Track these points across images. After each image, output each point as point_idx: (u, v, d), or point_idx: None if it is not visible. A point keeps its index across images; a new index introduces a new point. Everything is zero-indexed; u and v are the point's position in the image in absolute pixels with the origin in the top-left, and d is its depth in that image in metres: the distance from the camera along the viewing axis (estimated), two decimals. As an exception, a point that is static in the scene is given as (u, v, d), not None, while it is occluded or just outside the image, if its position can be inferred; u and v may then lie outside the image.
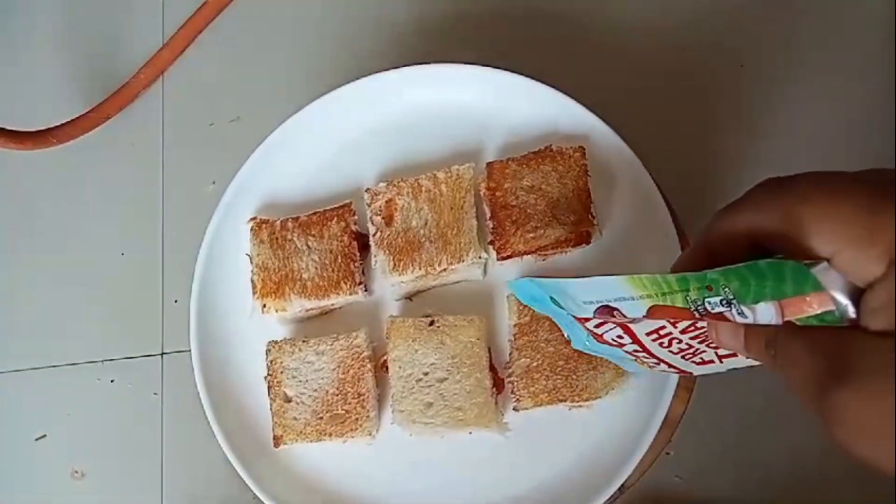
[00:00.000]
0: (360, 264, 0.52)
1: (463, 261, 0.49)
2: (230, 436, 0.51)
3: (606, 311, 0.36)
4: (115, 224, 0.63)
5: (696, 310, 0.31)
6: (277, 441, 0.50)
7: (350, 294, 0.51)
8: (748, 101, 0.59)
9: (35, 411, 0.61)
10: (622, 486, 0.46)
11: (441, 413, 0.48)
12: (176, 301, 0.60)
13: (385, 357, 0.50)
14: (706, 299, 0.31)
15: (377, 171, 0.54)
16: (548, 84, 0.51)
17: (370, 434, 0.49)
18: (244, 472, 0.50)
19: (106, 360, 0.60)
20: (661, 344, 0.37)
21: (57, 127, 0.62)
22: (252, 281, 0.52)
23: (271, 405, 0.50)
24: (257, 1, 0.67)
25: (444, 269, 0.49)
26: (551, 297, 0.40)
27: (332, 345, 0.50)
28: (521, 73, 0.52)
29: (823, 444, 0.51)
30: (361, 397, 0.49)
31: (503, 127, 0.53)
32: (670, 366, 0.40)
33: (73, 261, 0.63)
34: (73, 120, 0.63)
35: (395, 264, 0.50)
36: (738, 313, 0.30)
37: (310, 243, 0.52)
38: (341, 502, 0.50)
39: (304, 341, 0.51)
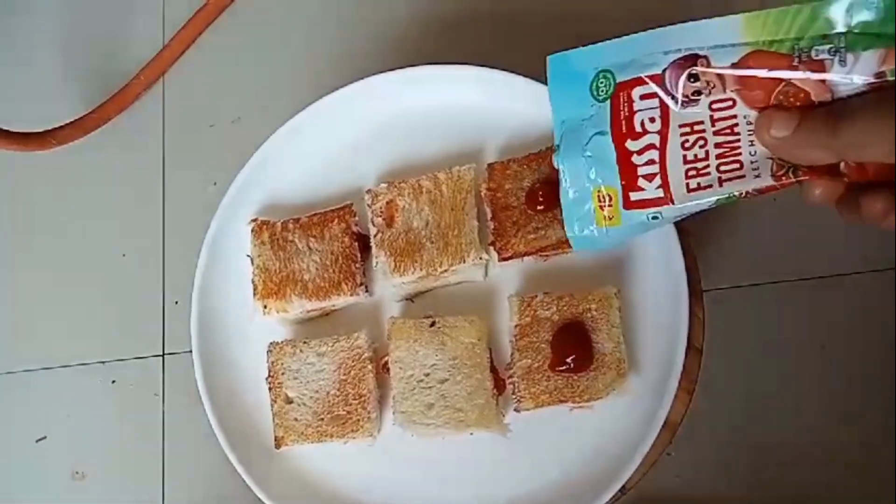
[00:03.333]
0: (361, 265, 0.52)
1: (464, 262, 0.49)
2: (231, 437, 0.51)
3: (689, 60, 0.36)
4: (116, 225, 0.63)
5: (799, 56, 0.33)
6: (279, 442, 0.50)
7: (351, 295, 0.51)
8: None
9: (36, 412, 0.61)
10: (623, 486, 0.46)
11: (442, 414, 0.48)
12: (177, 302, 0.60)
13: (386, 358, 0.50)
14: (815, 47, 0.33)
15: (378, 172, 0.54)
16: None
17: (371, 435, 0.49)
18: (245, 473, 0.50)
19: (107, 362, 0.61)
20: (684, 144, 0.37)
21: (58, 128, 0.62)
22: (253, 282, 0.52)
23: (272, 406, 0.50)
24: (257, 2, 0.67)
25: (445, 271, 0.49)
26: (600, 71, 0.39)
27: (333, 346, 0.50)
28: (522, 74, 0.52)
29: (824, 445, 0.52)
30: (362, 398, 0.49)
31: (504, 128, 0.53)
32: (664, 186, 0.38)
33: (75, 262, 0.63)
34: (74, 121, 0.63)
35: (396, 265, 0.50)
36: (840, 61, 0.32)
37: (311, 244, 0.52)
38: (342, 503, 0.50)
39: (305, 342, 0.51)
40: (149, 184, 0.63)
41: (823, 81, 0.33)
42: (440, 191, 0.51)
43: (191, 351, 0.53)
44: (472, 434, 0.48)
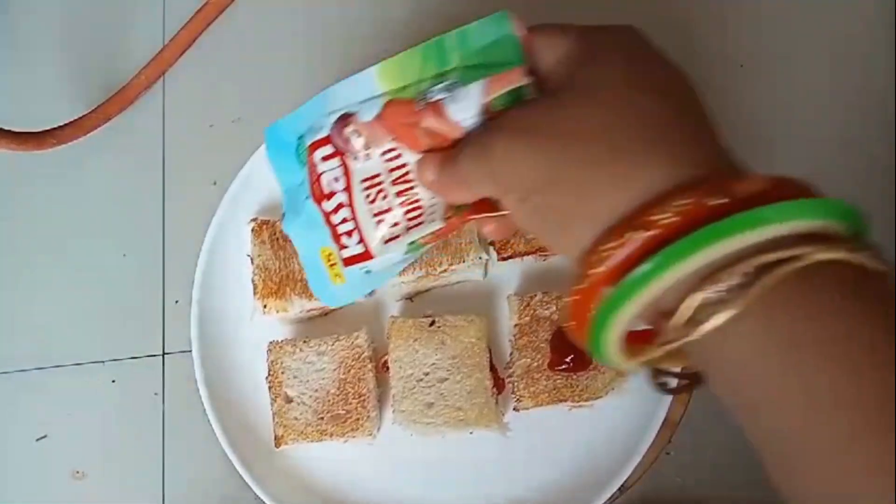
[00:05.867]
0: (361, 265, 0.52)
1: (464, 261, 0.49)
2: (231, 436, 0.51)
3: (345, 119, 0.36)
4: (116, 225, 0.63)
5: (420, 99, 0.33)
6: (278, 441, 0.50)
7: (351, 294, 0.51)
8: (748, 102, 0.59)
9: (36, 412, 0.61)
10: (622, 485, 0.47)
11: (442, 413, 0.48)
12: (177, 301, 0.60)
13: (386, 357, 0.50)
14: (431, 88, 0.33)
15: (378, 171, 0.54)
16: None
17: (371, 434, 0.49)
18: (245, 472, 0.50)
19: (107, 361, 0.60)
20: (367, 198, 0.37)
21: (58, 128, 0.62)
22: (253, 281, 0.52)
23: (272, 405, 0.50)
24: (258, 1, 0.67)
25: (445, 270, 0.50)
26: (299, 137, 0.39)
27: (332, 345, 0.50)
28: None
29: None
30: (362, 397, 0.49)
31: (503, 127, 0.53)
32: (362, 241, 0.38)
33: (74, 261, 0.63)
34: (73, 121, 0.63)
35: (395, 265, 0.50)
36: (452, 99, 0.32)
37: (310, 244, 0.52)
38: (342, 502, 0.50)
39: (304, 342, 0.51)
40: (149, 183, 0.63)
41: (447, 120, 0.33)
42: (440, 190, 0.51)
43: (191, 350, 0.53)
44: (471, 433, 0.48)
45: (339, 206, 0.38)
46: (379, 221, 0.37)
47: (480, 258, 0.50)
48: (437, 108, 0.33)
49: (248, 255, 0.53)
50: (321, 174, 0.38)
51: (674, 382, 0.31)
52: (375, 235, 0.37)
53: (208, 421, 0.51)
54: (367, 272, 0.39)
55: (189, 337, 0.53)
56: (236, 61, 0.66)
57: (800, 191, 0.27)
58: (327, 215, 0.38)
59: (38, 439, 0.60)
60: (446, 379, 0.48)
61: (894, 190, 0.56)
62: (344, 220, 0.38)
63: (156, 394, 0.59)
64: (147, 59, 0.65)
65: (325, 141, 0.38)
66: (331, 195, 0.38)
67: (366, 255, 0.38)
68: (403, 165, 0.36)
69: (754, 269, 0.25)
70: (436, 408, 0.48)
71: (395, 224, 0.37)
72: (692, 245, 0.25)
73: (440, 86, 0.33)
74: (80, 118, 0.63)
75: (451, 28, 0.35)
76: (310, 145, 0.38)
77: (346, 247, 0.38)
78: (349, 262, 0.38)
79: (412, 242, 0.37)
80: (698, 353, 0.27)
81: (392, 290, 0.52)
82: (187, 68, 0.66)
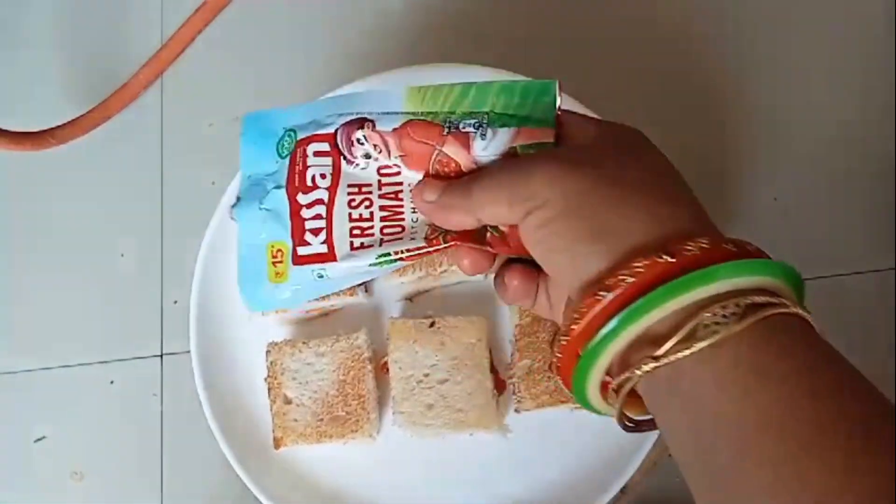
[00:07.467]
0: (361, 265, 0.52)
1: (464, 262, 0.49)
2: (230, 437, 0.51)
3: (358, 122, 0.38)
4: (114, 225, 0.63)
5: (449, 127, 0.36)
6: (278, 443, 0.49)
7: (350, 295, 0.51)
8: (748, 102, 0.58)
9: (34, 413, 0.60)
10: (624, 487, 0.46)
11: (442, 414, 0.48)
12: (176, 302, 0.60)
13: (386, 358, 0.50)
14: (462, 121, 0.36)
15: (377, 171, 0.54)
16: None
17: (371, 436, 0.49)
18: (244, 473, 0.50)
19: (105, 362, 0.60)
20: (350, 203, 0.38)
21: (56, 127, 0.62)
22: (252, 282, 0.52)
23: (271, 407, 0.50)
24: (257, 2, 0.66)
25: (445, 270, 0.49)
26: (287, 130, 0.40)
27: (332, 346, 0.50)
28: (522, 74, 0.51)
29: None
30: (362, 399, 0.49)
31: (504, 127, 0.53)
32: (328, 242, 0.38)
33: (72, 262, 0.63)
34: (72, 120, 0.63)
35: (395, 265, 0.50)
36: (482, 135, 0.35)
37: (310, 244, 0.52)
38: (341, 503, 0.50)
39: (304, 343, 0.50)
40: (147, 183, 0.63)
41: (468, 152, 0.36)
42: (440, 190, 0.51)
43: (189, 351, 0.53)
44: (472, 435, 0.48)
45: (317, 201, 0.38)
46: (355, 228, 0.38)
47: (481, 259, 0.49)
48: (463, 138, 0.36)
49: (248, 256, 0.53)
50: (308, 167, 0.38)
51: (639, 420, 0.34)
52: (345, 240, 0.37)
53: (207, 422, 0.51)
54: (321, 276, 0.38)
55: (188, 337, 0.52)
56: (235, 60, 0.66)
57: (741, 252, 0.30)
58: (298, 208, 0.38)
59: (36, 440, 0.60)
60: (447, 380, 0.48)
61: (894, 190, 0.56)
62: (316, 217, 0.38)
63: (154, 395, 0.59)
64: (145, 58, 0.65)
65: (325, 137, 0.38)
66: (311, 189, 0.38)
67: (327, 257, 0.38)
68: (399, 183, 0.38)
69: (742, 305, 0.28)
70: (436, 409, 0.48)
71: (370, 234, 0.37)
72: (646, 305, 0.28)
73: (471, 121, 0.36)
74: (79, 118, 0.63)
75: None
76: (304, 138, 0.39)
77: (306, 244, 0.38)
78: (303, 260, 0.38)
79: (384, 254, 0.37)
80: (654, 393, 0.30)
81: (392, 290, 0.52)
82: (186, 68, 0.66)
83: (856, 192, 0.56)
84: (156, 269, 0.61)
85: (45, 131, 0.61)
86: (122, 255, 0.62)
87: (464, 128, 0.36)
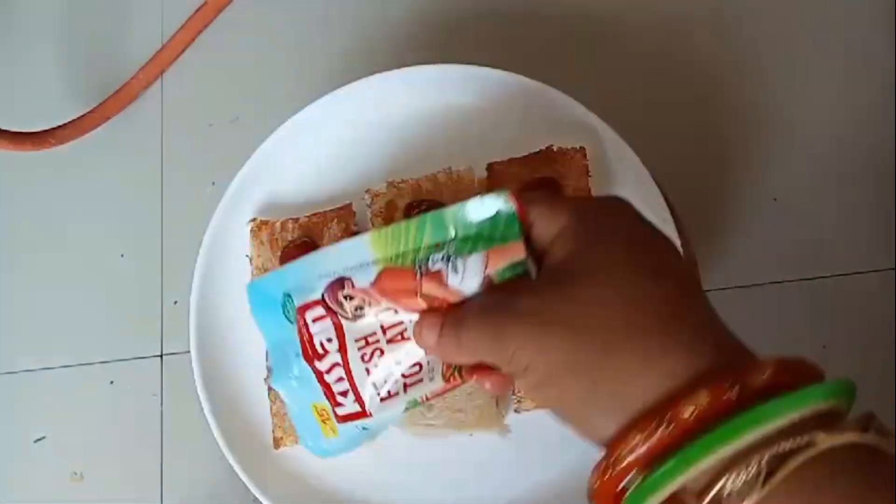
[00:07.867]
0: (361, 265, 0.52)
1: (464, 262, 0.49)
2: (229, 437, 0.50)
3: (339, 283, 0.36)
4: (114, 225, 0.63)
5: (420, 268, 0.34)
6: (277, 443, 0.49)
7: (350, 295, 0.51)
8: (748, 102, 0.59)
9: (34, 413, 0.60)
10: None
11: (442, 415, 0.47)
12: (175, 302, 0.60)
13: (386, 358, 0.49)
14: (431, 257, 0.34)
15: (378, 172, 0.54)
16: (549, 84, 0.51)
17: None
18: (244, 473, 0.49)
19: (105, 362, 0.60)
20: (363, 357, 0.37)
21: (56, 128, 0.62)
22: (252, 282, 0.52)
23: (271, 407, 0.50)
24: (256, 1, 0.66)
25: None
26: (286, 294, 0.39)
27: (332, 346, 0.50)
28: (522, 74, 0.51)
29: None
30: (362, 399, 0.49)
31: (504, 128, 0.53)
32: (358, 400, 0.38)
33: (72, 262, 0.63)
34: (72, 121, 0.63)
35: (395, 265, 0.50)
36: (453, 269, 0.33)
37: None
38: (341, 504, 0.50)
39: (304, 343, 0.50)
40: (147, 183, 0.63)
41: (447, 286, 0.34)
42: (440, 191, 0.51)
43: (189, 351, 0.53)
44: (472, 435, 0.48)
45: (334, 365, 0.38)
46: (375, 381, 0.37)
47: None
48: (437, 277, 0.34)
49: (247, 256, 0.53)
50: (313, 335, 0.38)
51: None
52: (371, 395, 0.37)
53: (207, 422, 0.51)
54: (364, 428, 0.39)
55: (187, 338, 0.52)
56: (235, 61, 0.66)
57: (805, 372, 0.29)
58: (320, 374, 0.38)
59: (36, 441, 0.60)
60: (446, 380, 0.48)
61: (894, 190, 0.56)
62: (339, 380, 0.38)
63: (154, 395, 0.59)
64: (146, 58, 0.65)
65: (316, 304, 0.37)
66: (324, 355, 0.38)
67: (362, 414, 0.38)
68: (400, 323, 0.36)
69: (768, 459, 0.27)
70: (436, 410, 0.48)
71: (393, 383, 0.37)
72: (712, 442, 0.27)
73: (439, 255, 0.34)
74: (79, 118, 0.63)
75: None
76: (301, 306, 0.38)
77: (341, 405, 0.38)
78: (344, 419, 0.39)
79: (412, 401, 0.37)
80: None
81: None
82: (186, 68, 0.66)
83: (856, 192, 0.56)
84: (156, 270, 0.61)
85: (45, 131, 0.61)
86: (122, 255, 0.62)
87: (433, 265, 0.34)
